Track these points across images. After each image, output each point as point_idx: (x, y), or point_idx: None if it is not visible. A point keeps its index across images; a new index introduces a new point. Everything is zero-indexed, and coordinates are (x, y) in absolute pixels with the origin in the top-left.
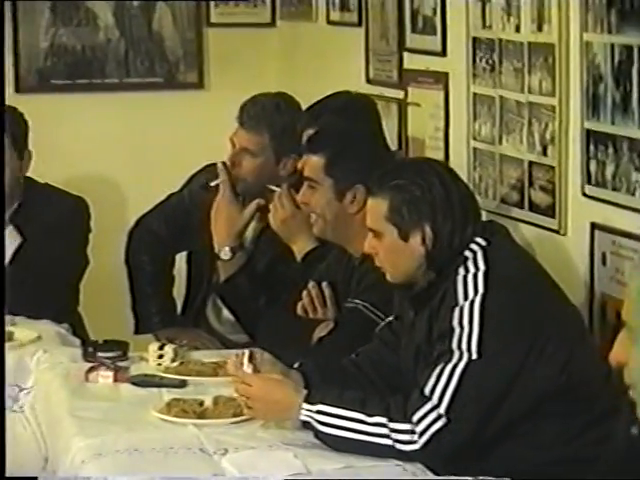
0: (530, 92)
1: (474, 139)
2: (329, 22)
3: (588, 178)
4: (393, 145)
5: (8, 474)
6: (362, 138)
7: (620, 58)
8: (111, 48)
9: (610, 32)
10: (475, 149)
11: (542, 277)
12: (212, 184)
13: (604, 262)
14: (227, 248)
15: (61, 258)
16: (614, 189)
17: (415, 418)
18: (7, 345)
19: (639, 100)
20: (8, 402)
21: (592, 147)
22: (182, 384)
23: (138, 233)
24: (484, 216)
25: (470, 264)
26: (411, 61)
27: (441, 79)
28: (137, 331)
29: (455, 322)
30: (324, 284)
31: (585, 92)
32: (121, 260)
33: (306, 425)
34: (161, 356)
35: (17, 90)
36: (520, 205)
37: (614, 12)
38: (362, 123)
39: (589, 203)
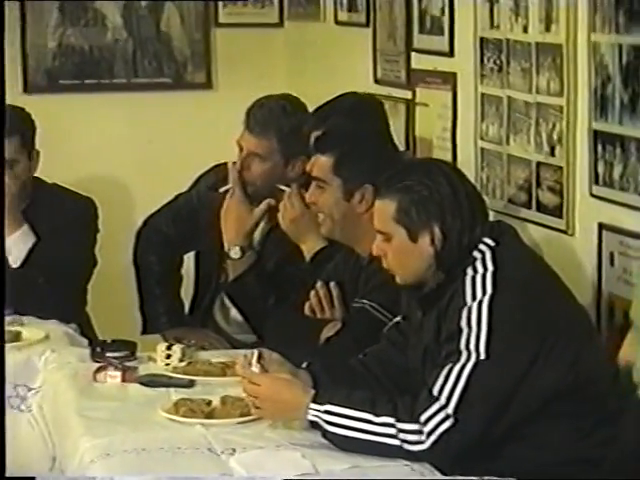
0: (538, 92)
1: (482, 139)
2: (337, 22)
3: (596, 178)
4: (401, 145)
5: (16, 473)
6: (370, 138)
7: (628, 58)
8: (119, 48)
9: (618, 32)
10: (483, 149)
11: (550, 278)
12: (221, 190)
13: (612, 262)
14: (237, 247)
15: (69, 258)
16: (622, 189)
17: (423, 418)
18: (15, 345)
19: None
20: (16, 401)
21: (600, 147)
22: (190, 384)
23: (146, 233)
24: (492, 216)
25: (478, 265)
26: (419, 61)
27: (449, 79)
28: (145, 331)
29: (463, 323)
30: (332, 284)
31: (593, 92)
32: (129, 260)
33: (314, 425)
34: (169, 356)
35: (25, 90)
36: (528, 205)
37: (622, 12)
38: (370, 124)
39: (597, 203)
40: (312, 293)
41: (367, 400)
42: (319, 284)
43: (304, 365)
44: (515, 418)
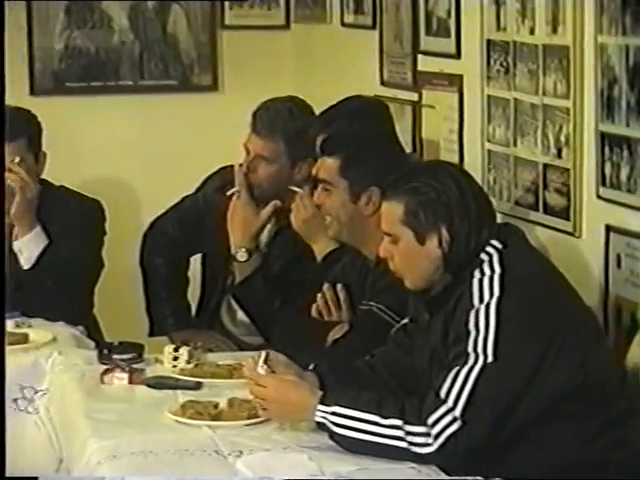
0: (545, 94)
1: (488, 141)
2: (343, 24)
3: (603, 180)
4: (407, 147)
5: (22, 474)
6: (376, 140)
7: (635, 60)
8: (125, 50)
9: (625, 34)
10: (490, 151)
11: (557, 279)
12: (228, 193)
13: (619, 264)
14: (244, 250)
15: (77, 260)
16: (629, 191)
17: (430, 421)
18: (23, 347)
19: None
20: (23, 403)
21: (607, 149)
22: (197, 386)
23: (152, 235)
24: (499, 218)
25: (486, 267)
26: (425, 63)
27: (455, 81)
28: (152, 333)
29: (471, 325)
30: (339, 286)
31: (600, 94)
32: (136, 262)
33: (321, 427)
34: (176, 358)
35: (32, 92)
36: (535, 207)
37: (629, 14)
38: (375, 126)
39: (604, 205)
40: (319, 295)
41: (374, 402)
42: (326, 286)
43: (311, 367)
44: (523, 420)
